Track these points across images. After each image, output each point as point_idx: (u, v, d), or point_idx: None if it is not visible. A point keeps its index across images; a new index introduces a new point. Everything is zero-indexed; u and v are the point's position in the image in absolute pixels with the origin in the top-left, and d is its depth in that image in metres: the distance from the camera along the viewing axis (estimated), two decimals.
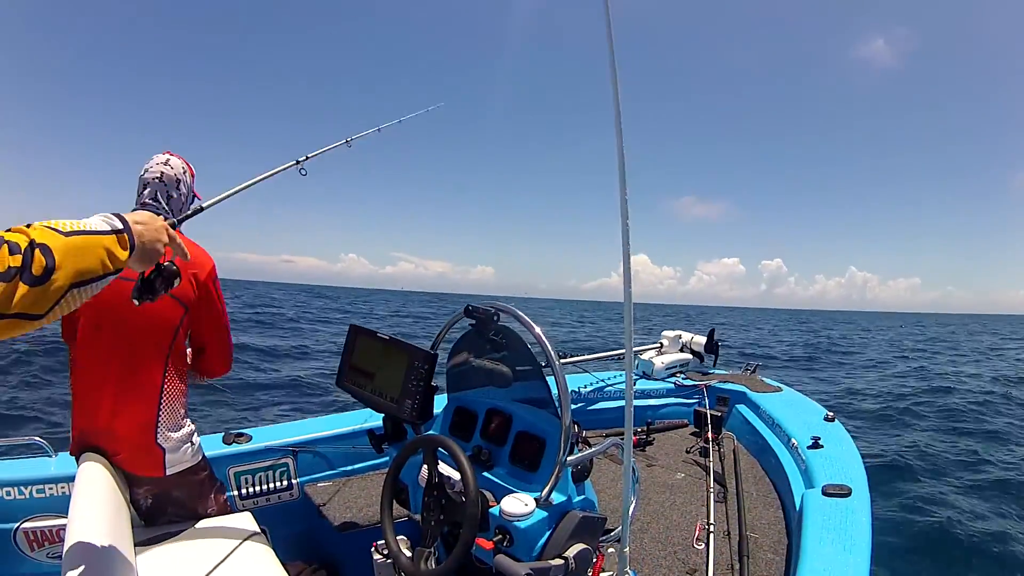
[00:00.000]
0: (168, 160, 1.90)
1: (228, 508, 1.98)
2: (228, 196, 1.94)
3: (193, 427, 1.88)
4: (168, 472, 1.77)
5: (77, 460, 1.72)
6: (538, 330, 1.69)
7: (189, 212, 1.78)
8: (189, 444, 1.83)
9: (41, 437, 2.16)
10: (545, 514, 1.49)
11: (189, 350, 1.93)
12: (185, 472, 1.81)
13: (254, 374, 9.01)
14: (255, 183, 1.99)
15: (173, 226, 1.21)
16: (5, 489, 2.01)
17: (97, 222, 0.99)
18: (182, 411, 1.82)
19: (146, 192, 1.86)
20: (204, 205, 1.82)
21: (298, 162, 2.15)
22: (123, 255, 1.00)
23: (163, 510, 1.83)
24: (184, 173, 1.93)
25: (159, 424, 1.75)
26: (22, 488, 2.02)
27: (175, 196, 1.90)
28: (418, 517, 1.65)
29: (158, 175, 1.86)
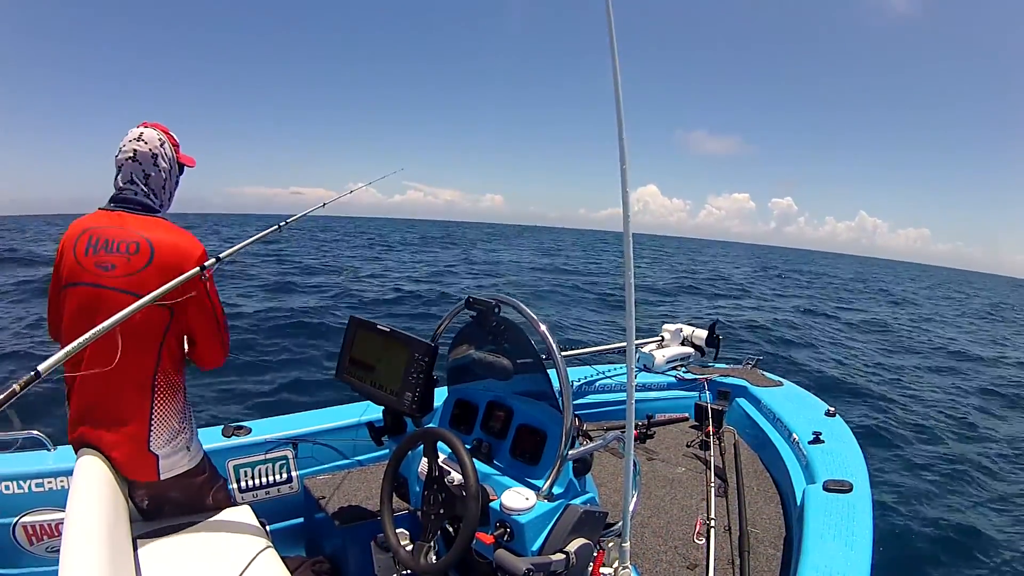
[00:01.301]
0: (142, 135, 1.75)
1: (229, 505, 1.97)
2: (236, 251, 1.82)
3: (191, 432, 1.79)
4: (162, 477, 1.71)
5: (76, 452, 1.71)
6: (540, 323, 1.68)
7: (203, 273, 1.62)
8: (185, 450, 1.75)
9: (40, 431, 2.15)
10: (546, 508, 1.48)
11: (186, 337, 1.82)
12: (181, 476, 1.75)
13: None
14: (244, 247, 1.92)
15: None
16: (4, 483, 2.01)
17: None
18: (178, 416, 1.73)
19: (120, 175, 1.73)
20: (218, 257, 1.68)
21: (279, 226, 2.17)
22: None
23: (160, 511, 1.79)
24: (162, 145, 1.77)
25: (151, 433, 1.67)
26: (21, 482, 2.02)
27: (153, 175, 1.75)
28: (418, 511, 1.64)
29: (131, 154, 1.72)
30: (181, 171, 1.89)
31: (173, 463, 1.73)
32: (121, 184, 1.73)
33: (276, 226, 2.13)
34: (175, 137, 1.85)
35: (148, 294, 1.55)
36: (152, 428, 1.67)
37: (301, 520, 2.58)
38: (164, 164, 1.78)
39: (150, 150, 1.74)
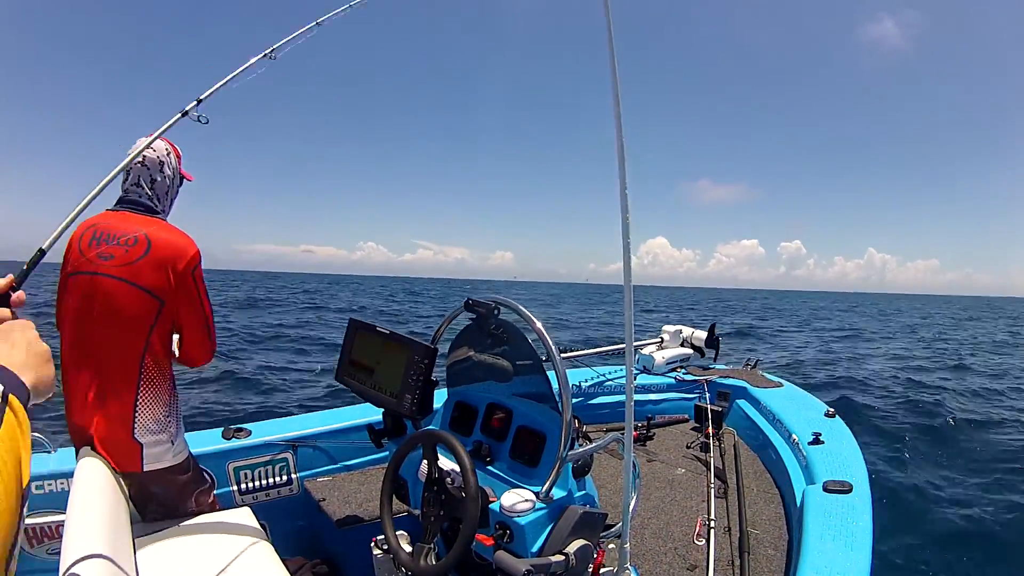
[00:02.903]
0: (151, 143, 1.82)
1: (216, 508, 1.97)
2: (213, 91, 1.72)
3: (176, 427, 1.83)
4: (146, 468, 1.74)
5: (76, 452, 1.72)
6: (539, 324, 1.68)
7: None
8: (170, 443, 1.79)
9: (40, 432, 2.14)
10: (546, 510, 1.48)
11: (176, 337, 1.87)
12: (164, 471, 1.78)
13: None
14: (226, 82, 1.79)
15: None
16: None
17: None
18: (163, 407, 1.78)
19: (129, 177, 1.82)
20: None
21: (266, 54, 1.92)
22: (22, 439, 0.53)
23: (144, 507, 1.82)
24: (168, 155, 1.88)
25: (136, 420, 1.72)
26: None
27: (159, 179, 1.85)
28: (418, 513, 1.64)
29: (140, 159, 1.80)
30: (180, 183, 1.98)
31: (157, 455, 1.76)
32: (128, 186, 1.83)
33: (263, 54, 1.90)
34: (179, 150, 1.94)
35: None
36: (137, 414, 1.72)
37: (301, 522, 2.58)
38: (168, 172, 1.89)
39: (158, 157, 1.85)
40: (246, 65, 1.81)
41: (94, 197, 1.50)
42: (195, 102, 1.72)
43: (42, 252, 1.19)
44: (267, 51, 1.88)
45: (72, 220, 1.40)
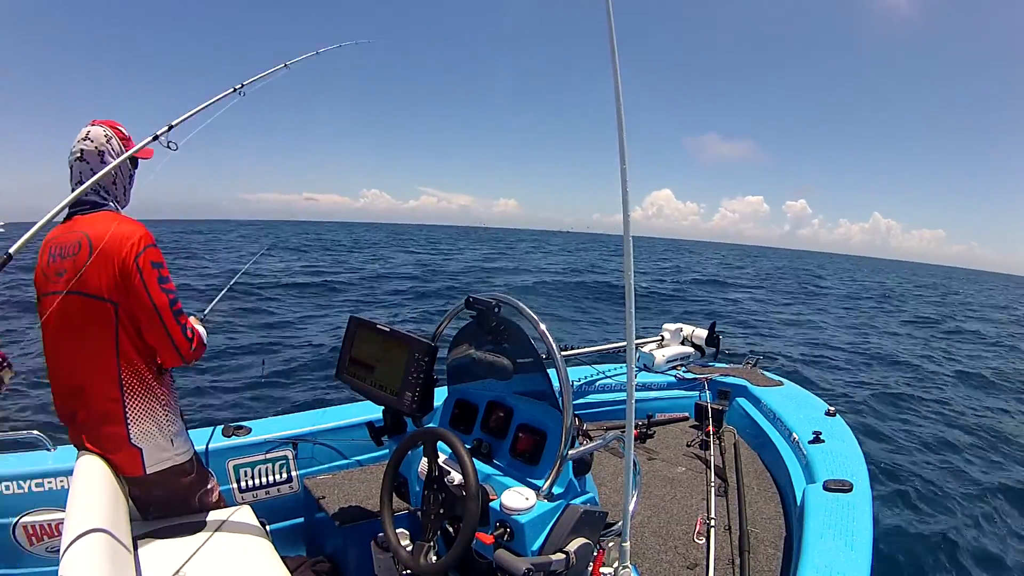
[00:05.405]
0: (88, 133, 1.74)
1: (222, 506, 1.96)
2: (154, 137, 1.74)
3: (177, 426, 1.78)
4: (148, 471, 1.71)
5: (77, 452, 1.72)
6: (541, 325, 1.68)
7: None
8: (170, 444, 1.74)
9: (40, 431, 2.15)
10: (546, 508, 1.48)
11: None
12: (167, 472, 1.75)
13: None
14: (196, 112, 1.83)
15: None
16: (4, 484, 2.01)
17: None
18: (157, 410, 1.72)
19: (71, 177, 1.74)
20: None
21: (236, 89, 1.97)
22: None
23: (146, 507, 1.80)
24: (108, 142, 1.75)
25: (130, 427, 1.67)
26: (21, 482, 2.02)
27: (100, 171, 1.74)
28: (418, 511, 1.64)
29: (78, 155, 1.72)
30: (135, 165, 1.87)
31: (158, 457, 1.72)
32: (72, 185, 1.73)
33: (233, 89, 1.93)
34: (123, 131, 1.82)
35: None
36: (129, 423, 1.68)
37: (301, 520, 2.58)
38: (111, 160, 1.75)
39: (96, 148, 1.73)
40: (216, 98, 1.87)
41: (62, 208, 1.51)
42: (166, 128, 1.73)
43: (9, 257, 1.18)
44: (236, 87, 1.94)
45: (40, 228, 1.38)
